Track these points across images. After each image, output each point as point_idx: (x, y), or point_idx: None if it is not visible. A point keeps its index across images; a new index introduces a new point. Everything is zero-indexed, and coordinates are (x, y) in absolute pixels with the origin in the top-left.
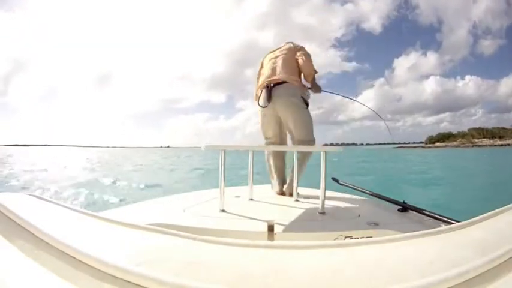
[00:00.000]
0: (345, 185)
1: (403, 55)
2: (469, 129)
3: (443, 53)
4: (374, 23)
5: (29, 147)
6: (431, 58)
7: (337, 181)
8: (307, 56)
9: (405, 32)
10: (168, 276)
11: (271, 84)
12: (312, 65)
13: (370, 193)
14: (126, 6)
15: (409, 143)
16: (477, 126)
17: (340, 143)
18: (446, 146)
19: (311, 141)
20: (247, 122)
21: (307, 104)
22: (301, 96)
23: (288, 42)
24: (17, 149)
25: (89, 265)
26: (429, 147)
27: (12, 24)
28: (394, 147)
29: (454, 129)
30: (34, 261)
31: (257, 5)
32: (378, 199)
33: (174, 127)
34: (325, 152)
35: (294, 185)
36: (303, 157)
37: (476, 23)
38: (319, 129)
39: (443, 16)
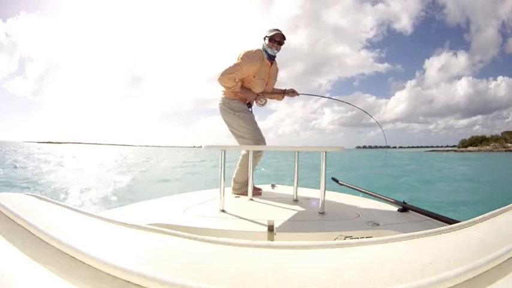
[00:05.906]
0: (344, 185)
1: (433, 56)
2: (502, 133)
3: (473, 53)
4: (405, 23)
5: (62, 144)
6: (462, 58)
7: (337, 181)
8: (228, 68)
9: (434, 32)
10: (168, 276)
11: None
12: (222, 79)
13: (370, 193)
14: (161, 9)
15: (441, 146)
16: (510, 130)
17: (373, 145)
18: (479, 150)
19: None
20: (281, 123)
21: (236, 110)
22: (228, 103)
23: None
24: (52, 146)
25: (89, 265)
26: (461, 151)
27: (45, 27)
28: (426, 151)
29: (487, 133)
30: (34, 261)
31: (289, 8)
32: (377, 199)
33: (207, 127)
34: (325, 152)
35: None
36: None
37: (505, 22)
38: (352, 131)
39: (470, 15)
